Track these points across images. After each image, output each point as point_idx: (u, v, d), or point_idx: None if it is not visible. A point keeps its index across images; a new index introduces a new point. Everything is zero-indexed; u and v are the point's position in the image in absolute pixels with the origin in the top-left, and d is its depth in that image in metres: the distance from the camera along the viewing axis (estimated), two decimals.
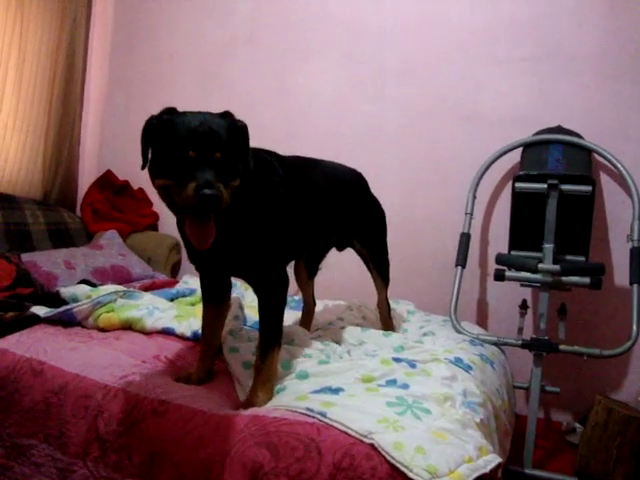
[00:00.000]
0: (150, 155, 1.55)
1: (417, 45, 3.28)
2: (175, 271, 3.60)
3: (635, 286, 2.58)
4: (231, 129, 1.54)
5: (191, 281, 2.86)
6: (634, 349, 2.65)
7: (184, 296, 2.63)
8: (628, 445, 2.35)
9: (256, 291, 1.77)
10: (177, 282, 3.03)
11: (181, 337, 2.10)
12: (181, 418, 1.52)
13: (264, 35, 3.59)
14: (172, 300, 2.57)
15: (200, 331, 1.97)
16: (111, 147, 3.97)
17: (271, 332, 1.73)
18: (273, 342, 1.72)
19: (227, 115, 1.59)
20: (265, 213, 1.71)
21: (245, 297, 2.65)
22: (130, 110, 3.93)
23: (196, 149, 1.45)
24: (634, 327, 2.50)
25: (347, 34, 3.42)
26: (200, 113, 1.54)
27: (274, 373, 1.74)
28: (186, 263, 3.54)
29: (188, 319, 2.17)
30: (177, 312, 2.26)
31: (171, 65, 3.81)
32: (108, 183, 3.74)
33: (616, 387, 3.04)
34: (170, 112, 1.55)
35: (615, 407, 2.43)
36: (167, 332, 2.13)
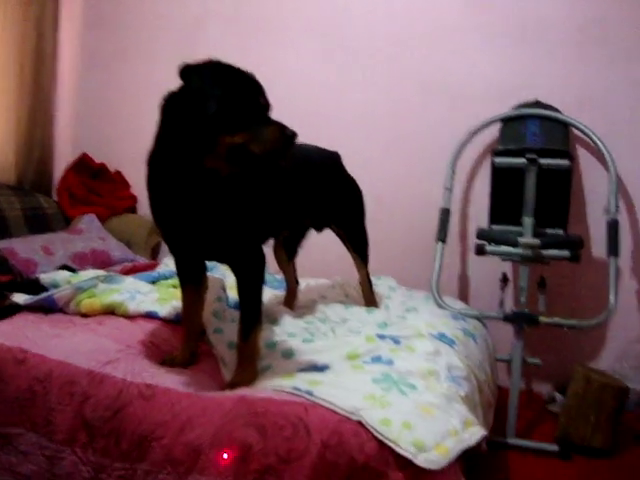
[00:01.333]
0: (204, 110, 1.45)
1: (393, 23, 3.26)
2: (155, 253, 3.58)
3: (612, 258, 2.63)
4: None
5: (172, 263, 2.83)
6: (611, 319, 2.70)
7: (165, 278, 2.61)
8: (605, 412, 2.42)
9: (234, 271, 1.77)
10: (158, 264, 3.01)
11: (165, 320, 2.10)
12: (168, 401, 1.52)
13: (231, 9, 3.53)
14: (153, 283, 2.56)
15: None
16: (87, 128, 3.89)
17: (251, 311, 1.74)
18: (254, 321, 1.73)
19: None
20: (241, 193, 1.70)
21: (227, 278, 2.64)
22: (105, 89, 3.85)
23: (265, 97, 1.49)
24: (611, 298, 2.55)
25: (317, 11, 3.38)
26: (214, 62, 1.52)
27: (257, 352, 1.75)
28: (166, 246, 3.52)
29: (171, 302, 2.17)
30: (159, 295, 2.25)
31: (146, 43, 3.73)
32: (84, 166, 3.69)
33: (595, 356, 3.10)
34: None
35: (593, 376, 2.48)
36: (150, 316, 2.12)
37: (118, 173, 3.72)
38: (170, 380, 1.61)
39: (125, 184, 3.71)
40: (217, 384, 1.69)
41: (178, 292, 2.25)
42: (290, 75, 3.40)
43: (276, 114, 3.25)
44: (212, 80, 1.46)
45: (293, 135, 1.44)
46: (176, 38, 3.65)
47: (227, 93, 1.45)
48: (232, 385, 1.65)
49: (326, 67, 3.39)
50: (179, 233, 1.71)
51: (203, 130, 1.46)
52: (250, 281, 1.76)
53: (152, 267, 2.93)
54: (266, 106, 1.49)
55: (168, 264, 2.86)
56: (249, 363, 1.71)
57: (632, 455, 2.47)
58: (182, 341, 1.88)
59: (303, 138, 2.24)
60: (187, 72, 1.49)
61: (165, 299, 2.20)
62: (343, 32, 3.35)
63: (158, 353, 1.87)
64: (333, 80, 3.38)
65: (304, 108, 3.35)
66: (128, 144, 3.69)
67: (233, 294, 2.35)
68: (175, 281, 2.54)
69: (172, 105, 1.54)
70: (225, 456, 1.40)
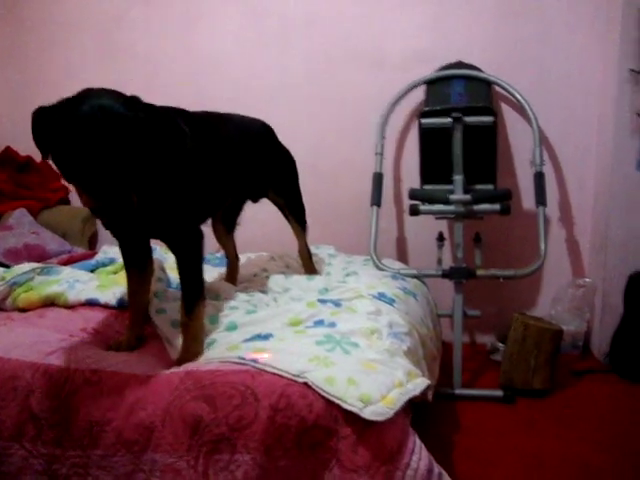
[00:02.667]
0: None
1: None
2: (93, 243, 3.52)
3: (540, 208, 2.73)
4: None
5: (110, 251, 2.80)
6: (544, 267, 2.82)
7: (104, 265, 2.58)
8: (543, 355, 2.53)
9: (173, 249, 1.78)
10: (96, 254, 2.96)
11: (106, 306, 2.08)
12: (115, 384, 1.52)
13: None
14: (92, 271, 2.52)
15: (126, 298, 1.96)
16: (8, 122, 3.77)
17: (193, 287, 1.75)
18: (196, 297, 1.74)
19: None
20: (174, 171, 1.70)
21: (167, 260, 2.63)
22: (25, 80, 3.73)
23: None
24: (542, 246, 2.65)
25: None
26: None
27: (202, 327, 1.76)
28: (103, 233, 3.47)
29: (111, 288, 2.15)
30: (99, 282, 2.23)
31: (67, 31, 3.62)
32: (9, 160, 3.58)
33: (531, 304, 3.24)
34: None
35: (531, 322, 2.59)
36: (92, 303, 2.09)
37: (46, 164, 3.62)
38: (116, 364, 1.60)
39: (55, 175, 3.62)
40: (164, 364, 1.69)
41: (119, 278, 2.25)
42: (213, 52, 3.38)
43: (203, 88, 3.21)
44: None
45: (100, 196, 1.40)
46: (98, 29, 3.55)
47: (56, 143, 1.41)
48: (180, 362, 1.66)
49: (248, 41, 3.37)
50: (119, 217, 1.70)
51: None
52: (189, 258, 1.76)
53: (90, 256, 2.88)
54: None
55: (107, 252, 2.82)
56: (195, 339, 1.72)
57: (569, 392, 2.62)
58: (128, 325, 1.88)
59: (232, 111, 2.27)
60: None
61: (106, 285, 2.18)
62: (277, 8, 3.33)
63: (102, 339, 1.86)
64: (258, 53, 3.36)
65: (229, 83, 3.34)
66: None
67: (174, 275, 2.35)
68: (115, 267, 2.52)
69: None
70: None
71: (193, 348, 1.70)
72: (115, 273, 2.46)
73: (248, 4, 3.35)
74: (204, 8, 3.40)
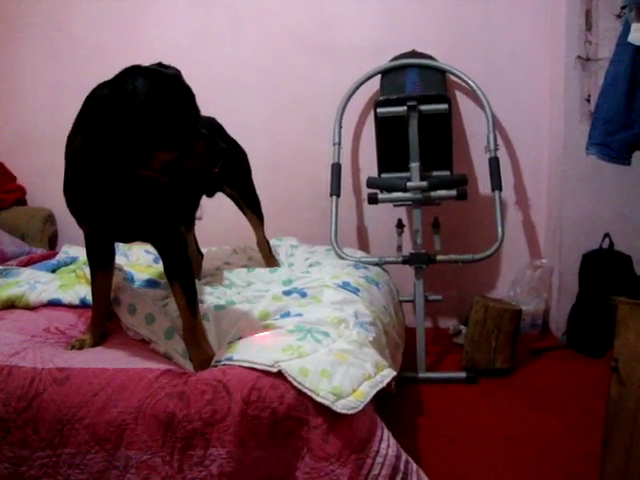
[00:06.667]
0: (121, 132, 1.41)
1: None
2: (53, 243, 3.47)
3: (496, 192, 2.80)
4: None
5: (71, 250, 2.76)
6: (502, 250, 2.89)
7: (66, 265, 2.55)
8: (504, 334, 2.61)
9: (162, 252, 1.76)
10: (57, 254, 2.92)
11: (69, 306, 2.06)
12: (85, 381, 1.51)
13: None
14: (54, 271, 2.49)
15: (88, 297, 1.95)
16: None
17: (192, 288, 1.72)
18: (195, 296, 1.72)
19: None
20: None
21: (129, 256, 2.62)
22: None
23: (195, 106, 1.46)
24: (499, 230, 2.72)
25: None
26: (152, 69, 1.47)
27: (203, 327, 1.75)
28: (64, 233, 3.42)
29: (74, 287, 2.12)
30: (61, 282, 2.20)
31: (14, 26, 3.53)
32: None
33: (492, 287, 3.32)
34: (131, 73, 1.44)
35: (491, 304, 2.66)
36: (54, 303, 2.06)
37: (1, 165, 3.55)
38: (84, 360, 1.59)
39: (10, 176, 3.55)
40: (132, 358, 1.67)
41: (81, 277, 2.22)
42: (163, 45, 3.34)
43: None
44: (153, 92, 1.42)
45: (222, 150, 1.45)
46: (46, 23, 3.47)
47: (164, 107, 1.42)
48: (202, 364, 1.61)
49: (199, 32, 3.35)
50: (105, 221, 1.68)
51: (139, 143, 1.43)
52: (180, 258, 1.74)
53: (51, 256, 2.84)
54: (196, 116, 1.47)
55: (68, 251, 2.79)
56: (204, 339, 1.69)
57: (529, 370, 2.71)
58: (91, 324, 1.86)
59: None
60: (129, 75, 1.44)
61: (68, 285, 2.15)
62: None
63: (66, 339, 1.84)
64: (209, 45, 3.34)
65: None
66: (8, 135, 3.54)
67: (134, 271, 2.33)
68: (76, 266, 2.49)
69: (106, 105, 1.45)
70: None
71: (206, 348, 1.67)
72: (75, 272, 2.44)
73: None
74: (152, 0, 3.36)
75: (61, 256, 2.74)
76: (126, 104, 1.41)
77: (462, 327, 3.04)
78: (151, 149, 1.45)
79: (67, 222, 2.19)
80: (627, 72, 2.32)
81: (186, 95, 1.44)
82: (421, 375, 2.58)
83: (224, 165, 2.32)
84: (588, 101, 2.86)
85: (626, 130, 2.34)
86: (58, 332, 1.88)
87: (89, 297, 1.96)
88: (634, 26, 2.27)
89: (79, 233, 1.83)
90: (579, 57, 2.86)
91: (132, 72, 1.46)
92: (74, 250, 2.74)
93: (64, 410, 1.49)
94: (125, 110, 1.41)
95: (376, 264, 2.66)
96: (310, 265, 2.51)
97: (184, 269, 1.74)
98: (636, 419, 1.23)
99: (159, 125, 1.42)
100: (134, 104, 1.41)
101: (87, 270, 2.09)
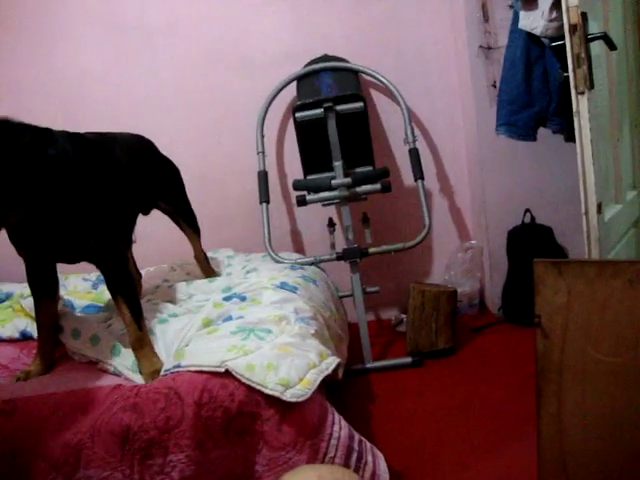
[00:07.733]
0: None
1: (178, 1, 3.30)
2: None
3: (419, 181, 2.91)
4: None
5: (4, 287, 2.72)
6: (433, 236, 3.00)
7: (1, 302, 2.51)
8: (443, 316, 2.71)
9: (102, 268, 1.79)
10: None
11: (10, 340, 2.04)
12: (34, 408, 1.50)
13: (18, 18, 3.34)
14: None
15: (28, 329, 1.94)
16: None
17: (136, 302, 1.77)
18: (140, 308, 1.77)
19: None
20: (66, 190, 1.68)
21: (67, 286, 2.59)
22: None
23: None
24: (425, 217, 2.83)
25: (105, 4, 3.29)
26: None
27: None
28: None
29: (12, 321, 2.11)
30: None
31: None
32: None
33: (427, 273, 3.43)
34: None
35: (427, 289, 2.76)
36: None
37: None
38: (31, 390, 1.59)
39: None
40: (81, 379, 1.68)
41: (18, 310, 2.20)
42: (78, 71, 3.31)
43: (70, 109, 3.09)
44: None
45: None
46: None
47: None
48: (152, 375, 1.66)
49: (114, 56, 3.32)
50: (38, 243, 1.72)
51: None
52: (121, 274, 1.78)
53: None
54: None
55: (1, 289, 2.73)
56: (151, 350, 1.74)
57: (470, 347, 2.83)
58: (38, 354, 1.84)
59: (107, 128, 2.26)
60: None
61: (5, 320, 2.13)
62: (139, 21, 3.30)
63: (9, 373, 1.83)
64: (126, 68, 3.32)
65: (100, 102, 3.30)
66: None
67: (73, 298, 2.32)
68: (11, 302, 2.46)
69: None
70: None
71: (155, 359, 1.71)
72: (12, 307, 2.40)
73: (108, 19, 3.29)
74: (64, 28, 3.30)
75: None
76: None
77: (403, 316, 3.12)
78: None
79: None
80: (523, 55, 2.48)
81: None
82: (369, 365, 2.65)
83: (157, 182, 2.36)
84: (494, 86, 3.00)
85: (528, 109, 2.50)
86: (0, 367, 1.86)
87: (29, 329, 1.96)
88: (522, 14, 2.44)
89: (9, 269, 1.83)
90: (481, 46, 3.01)
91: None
92: (7, 286, 2.69)
93: (15, 441, 1.48)
94: None
95: (312, 263, 2.73)
96: (248, 272, 2.55)
97: (126, 284, 1.77)
98: (561, 368, 1.34)
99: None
100: None
101: (25, 303, 2.10)
